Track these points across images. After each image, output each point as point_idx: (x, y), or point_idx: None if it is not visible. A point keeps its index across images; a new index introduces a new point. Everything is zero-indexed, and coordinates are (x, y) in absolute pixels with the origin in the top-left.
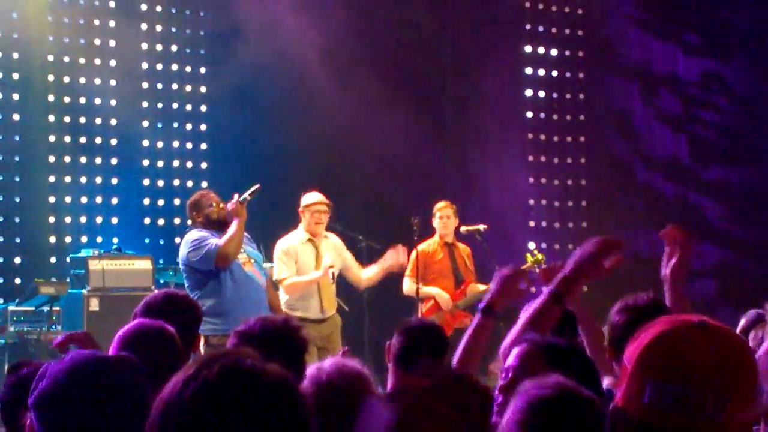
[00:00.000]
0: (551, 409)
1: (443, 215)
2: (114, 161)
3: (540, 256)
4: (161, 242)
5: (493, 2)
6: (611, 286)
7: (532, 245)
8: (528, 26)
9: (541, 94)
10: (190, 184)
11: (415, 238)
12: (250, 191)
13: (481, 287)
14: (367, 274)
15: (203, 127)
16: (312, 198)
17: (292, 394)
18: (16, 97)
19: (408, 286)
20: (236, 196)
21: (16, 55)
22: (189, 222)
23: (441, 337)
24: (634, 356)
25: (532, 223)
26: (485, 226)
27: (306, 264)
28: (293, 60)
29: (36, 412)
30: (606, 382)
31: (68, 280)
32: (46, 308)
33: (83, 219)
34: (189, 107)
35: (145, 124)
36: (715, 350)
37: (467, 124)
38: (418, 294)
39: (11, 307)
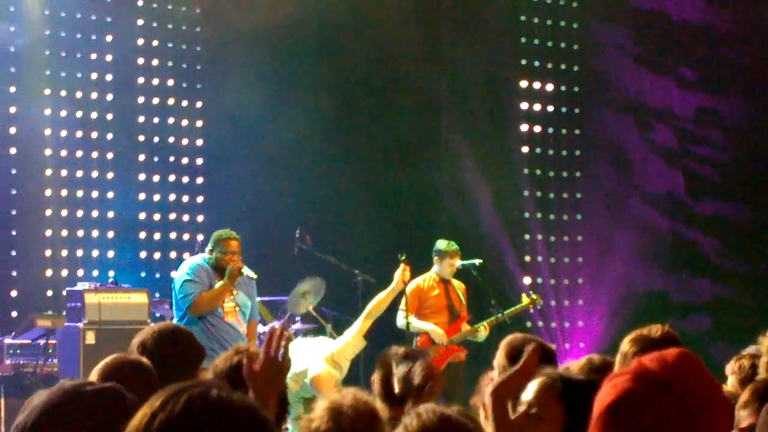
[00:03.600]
0: None
1: (455, 263)
2: (110, 195)
3: (535, 296)
4: (157, 276)
5: (489, 37)
6: (611, 319)
7: (527, 280)
8: (524, 61)
9: (537, 129)
10: (186, 218)
11: (404, 273)
12: (250, 273)
13: (470, 326)
14: (372, 307)
15: (199, 161)
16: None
17: (258, 424)
18: (13, 131)
19: (401, 320)
20: (241, 264)
21: (13, 89)
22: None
23: (430, 362)
24: (597, 412)
25: (528, 258)
26: (481, 261)
27: None
28: (290, 97)
29: None
30: None
31: (64, 313)
32: (42, 341)
33: (79, 252)
34: (185, 141)
35: (142, 158)
36: (677, 414)
37: (463, 159)
38: (408, 329)
39: (7, 340)
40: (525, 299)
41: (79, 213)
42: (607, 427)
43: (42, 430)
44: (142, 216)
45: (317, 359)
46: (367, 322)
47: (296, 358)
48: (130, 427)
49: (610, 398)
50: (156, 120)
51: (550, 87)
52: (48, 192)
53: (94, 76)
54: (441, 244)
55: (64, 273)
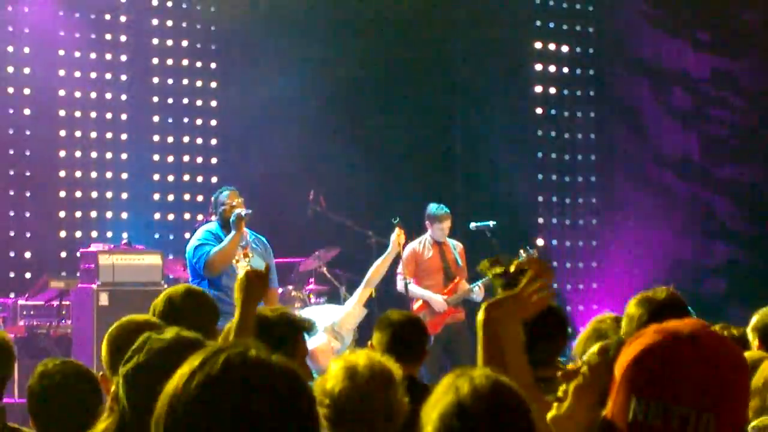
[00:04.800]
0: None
1: (445, 227)
2: (124, 156)
3: (533, 251)
4: (171, 237)
5: None
6: (626, 281)
7: (541, 242)
8: (538, 22)
9: (552, 90)
10: (200, 179)
11: (399, 237)
12: (246, 211)
13: (469, 285)
14: (370, 275)
15: (213, 122)
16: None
17: (297, 385)
18: (27, 92)
19: (401, 284)
20: (243, 209)
21: (27, 50)
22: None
23: (423, 329)
24: (622, 368)
25: (541, 220)
26: (494, 223)
27: None
28: (305, 62)
29: (124, 381)
30: None
31: (78, 274)
32: (55, 303)
33: (93, 214)
34: (199, 102)
35: (156, 119)
36: (702, 366)
37: (476, 120)
38: (407, 291)
39: (21, 302)
40: (522, 256)
41: (93, 174)
42: (634, 380)
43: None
44: (156, 177)
45: (319, 331)
46: (366, 291)
47: None
48: (167, 388)
49: (635, 351)
50: (170, 81)
51: (564, 48)
52: (62, 153)
53: (108, 37)
54: (431, 208)
55: (78, 234)
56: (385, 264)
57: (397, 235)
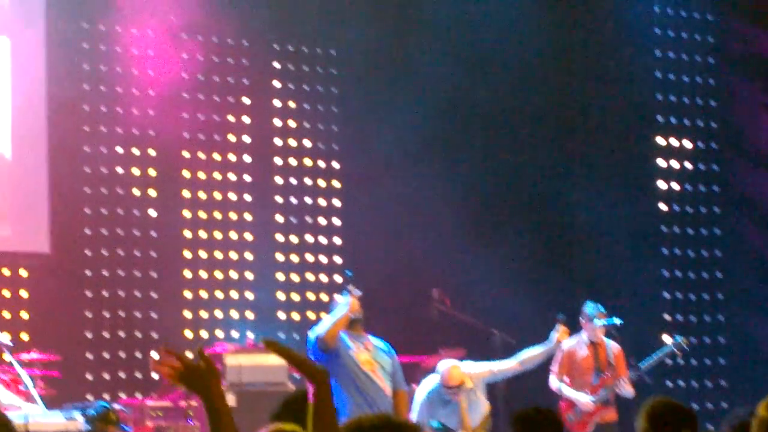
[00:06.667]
0: None
1: (601, 327)
2: (249, 256)
3: (683, 339)
4: (296, 337)
5: (625, 94)
6: (756, 378)
7: (668, 339)
8: (660, 118)
9: (675, 186)
10: (324, 279)
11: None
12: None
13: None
14: (526, 355)
15: (336, 221)
16: None
17: None
18: (153, 193)
19: (554, 383)
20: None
21: (152, 152)
22: None
23: (556, 422)
24: None
25: (668, 317)
26: (620, 321)
27: None
28: (425, 158)
29: None
30: None
31: None
32: (183, 403)
33: (219, 314)
34: (323, 202)
35: (279, 219)
36: None
37: (599, 216)
38: (557, 390)
39: (149, 402)
40: (668, 341)
41: (218, 274)
42: None
43: None
44: (281, 277)
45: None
46: (516, 365)
47: None
48: None
49: None
50: (293, 180)
51: (687, 144)
52: (187, 254)
53: (232, 138)
54: (587, 307)
55: (204, 334)
56: (542, 354)
57: (561, 332)
